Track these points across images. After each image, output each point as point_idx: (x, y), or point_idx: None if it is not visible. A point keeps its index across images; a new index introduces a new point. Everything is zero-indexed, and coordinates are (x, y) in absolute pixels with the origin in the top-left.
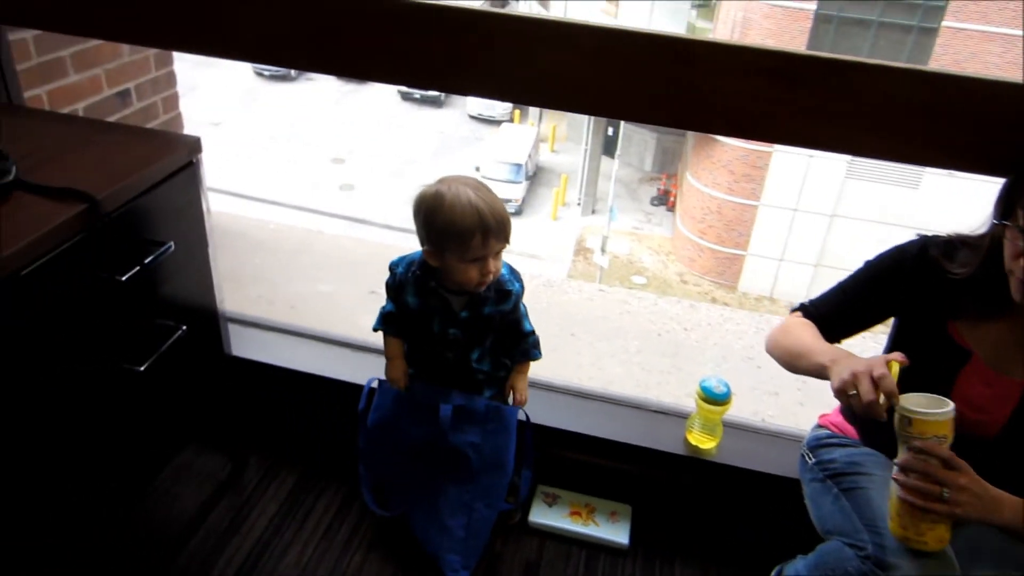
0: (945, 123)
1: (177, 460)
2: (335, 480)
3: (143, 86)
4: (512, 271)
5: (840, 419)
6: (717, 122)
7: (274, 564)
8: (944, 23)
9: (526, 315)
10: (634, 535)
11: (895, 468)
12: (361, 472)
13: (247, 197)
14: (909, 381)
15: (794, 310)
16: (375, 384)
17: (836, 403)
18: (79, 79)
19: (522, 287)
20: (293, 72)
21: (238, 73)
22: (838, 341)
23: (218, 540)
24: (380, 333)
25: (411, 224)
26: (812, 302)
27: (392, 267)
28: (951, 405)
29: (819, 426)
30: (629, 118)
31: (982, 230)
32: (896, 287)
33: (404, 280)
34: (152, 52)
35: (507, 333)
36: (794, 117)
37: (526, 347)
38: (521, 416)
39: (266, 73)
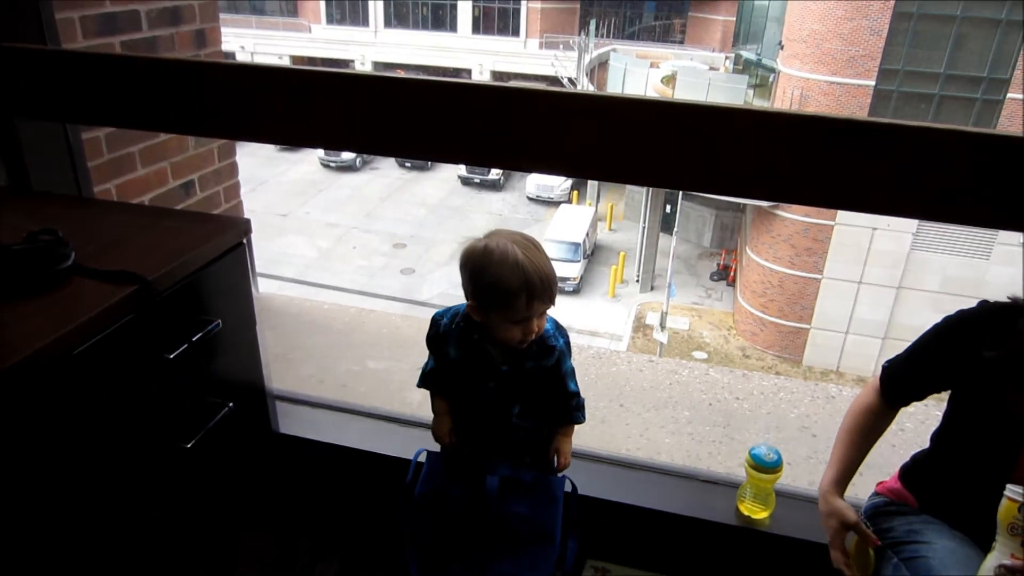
0: (979, 181)
1: (225, 540)
2: (381, 560)
3: (206, 177)
4: (557, 326)
5: (899, 486)
6: (755, 186)
7: None
8: (1009, 95)
9: (572, 375)
10: None
11: (996, 566)
12: (406, 545)
13: (311, 284)
14: (970, 449)
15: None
16: (423, 456)
17: (894, 471)
18: (146, 172)
19: (566, 342)
20: (358, 162)
21: (305, 166)
22: (908, 403)
23: None
24: (429, 402)
25: None
26: (889, 361)
27: (436, 319)
28: None
29: (877, 494)
30: (670, 186)
31: None
32: (955, 353)
33: (447, 331)
34: (216, 145)
35: (551, 391)
36: (832, 179)
37: (568, 409)
38: (567, 487)
39: (332, 164)
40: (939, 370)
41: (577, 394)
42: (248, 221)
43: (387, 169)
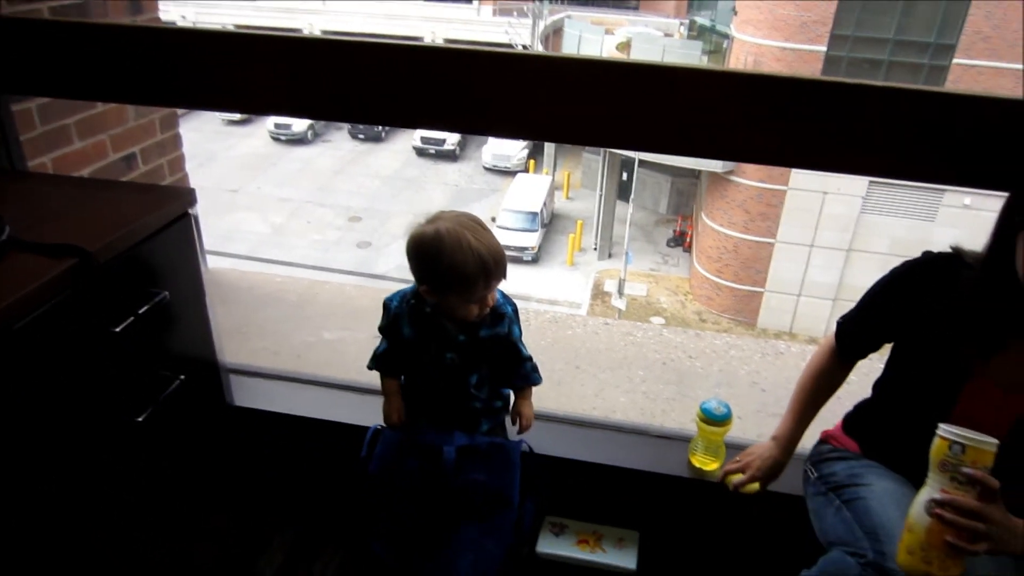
0: (926, 138)
1: (181, 513)
2: (341, 528)
3: (148, 149)
4: (503, 295)
5: (841, 434)
6: (702, 146)
7: None
8: (955, 61)
9: (520, 339)
10: (642, 560)
11: (928, 500)
12: (366, 518)
13: (264, 260)
14: (910, 395)
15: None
16: (377, 429)
17: (837, 419)
18: (84, 145)
19: (514, 309)
20: (309, 135)
21: (254, 139)
22: (863, 356)
23: None
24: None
25: None
26: (843, 317)
27: (386, 303)
28: (993, 439)
29: (821, 441)
30: (617, 146)
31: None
32: (902, 302)
33: (399, 312)
34: (157, 116)
35: (505, 359)
36: (777, 137)
37: (526, 372)
38: (524, 448)
39: (282, 137)
40: (889, 320)
41: (530, 358)
42: (193, 191)
43: (339, 141)
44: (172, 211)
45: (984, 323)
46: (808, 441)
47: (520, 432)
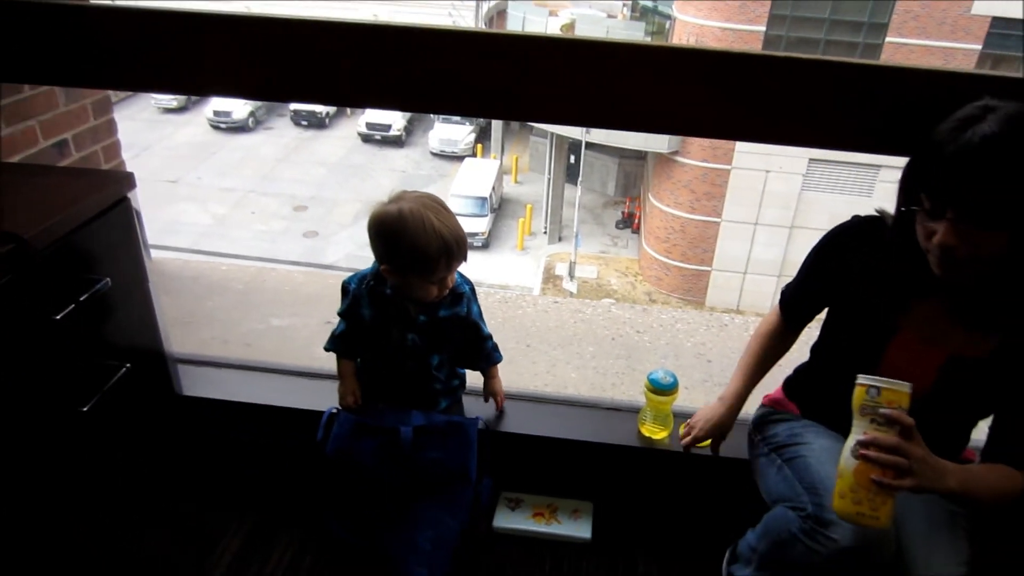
0: (841, 107)
1: (134, 502)
2: (298, 512)
3: (81, 136)
4: (460, 275)
5: (782, 397)
6: (635, 119)
7: None
8: (888, 39)
9: (481, 318)
10: (596, 529)
11: (853, 445)
12: (325, 500)
13: (208, 253)
14: (842, 353)
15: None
16: (333, 412)
17: (778, 384)
18: (11, 132)
19: (471, 289)
20: (250, 122)
21: (192, 128)
22: (808, 321)
23: None
24: (335, 359)
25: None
26: (786, 286)
27: (345, 285)
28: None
29: (763, 405)
30: (554, 121)
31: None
32: (833, 265)
33: (359, 294)
34: (89, 100)
35: (467, 339)
36: (704, 109)
37: (488, 351)
38: (480, 426)
39: (222, 125)
40: (825, 284)
41: (490, 336)
42: (131, 175)
43: (282, 128)
44: (110, 196)
45: (891, 282)
46: (754, 408)
47: (497, 409)
